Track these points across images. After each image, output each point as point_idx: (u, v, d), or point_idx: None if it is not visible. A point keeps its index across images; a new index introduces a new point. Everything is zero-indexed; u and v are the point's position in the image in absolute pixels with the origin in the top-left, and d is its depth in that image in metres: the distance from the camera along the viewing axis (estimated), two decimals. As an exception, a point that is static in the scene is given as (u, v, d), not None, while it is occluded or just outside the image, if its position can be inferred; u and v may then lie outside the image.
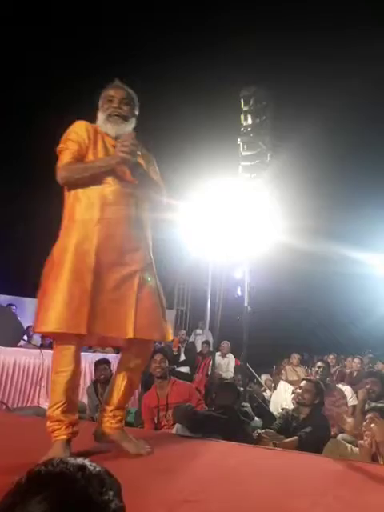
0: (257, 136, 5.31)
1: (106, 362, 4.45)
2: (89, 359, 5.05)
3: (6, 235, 9.04)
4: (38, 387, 5.27)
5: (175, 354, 7.45)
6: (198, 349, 8.33)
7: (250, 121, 5.24)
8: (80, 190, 1.90)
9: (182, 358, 7.59)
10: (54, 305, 1.75)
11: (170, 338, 1.97)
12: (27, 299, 9.47)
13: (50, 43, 8.82)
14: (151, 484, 1.60)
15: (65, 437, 1.80)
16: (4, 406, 4.70)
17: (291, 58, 8.27)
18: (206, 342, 7.98)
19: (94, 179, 1.89)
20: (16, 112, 8.95)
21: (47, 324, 1.75)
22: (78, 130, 1.94)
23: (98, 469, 0.74)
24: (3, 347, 4.98)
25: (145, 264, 1.93)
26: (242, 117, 5.32)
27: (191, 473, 1.82)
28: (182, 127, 7.73)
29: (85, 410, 4.35)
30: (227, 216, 5.87)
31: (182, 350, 7.81)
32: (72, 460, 0.73)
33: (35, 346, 6.05)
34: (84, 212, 1.87)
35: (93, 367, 4.61)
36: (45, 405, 5.06)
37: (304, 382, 3.53)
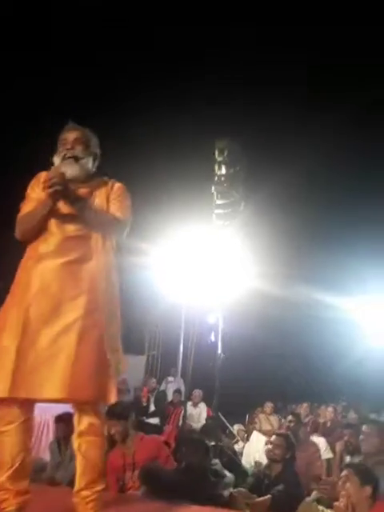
0: (231, 185, 5.47)
1: (63, 419, 4.08)
2: (52, 412, 4.77)
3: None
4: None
5: (144, 404, 7.17)
6: (169, 397, 8.06)
7: (224, 170, 5.41)
8: (30, 247, 1.87)
9: (152, 408, 7.31)
10: None
11: (113, 399, 1.72)
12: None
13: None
14: None
15: (13, 508, 1.65)
16: None
17: (266, 108, 8.69)
18: (178, 391, 7.75)
19: (40, 231, 1.84)
20: None
21: None
22: (35, 186, 1.95)
23: None
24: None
25: (86, 310, 1.73)
26: (217, 166, 5.48)
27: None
28: (157, 175, 7.88)
29: (45, 468, 4.04)
30: (201, 261, 5.91)
31: (152, 399, 7.54)
32: None
33: None
34: (23, 267, 1.83)
35: (54, 421, 4.31)
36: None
37: (274, 436, 3.45)
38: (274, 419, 6.67)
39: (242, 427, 6.88)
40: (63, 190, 1.78)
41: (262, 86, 8.96)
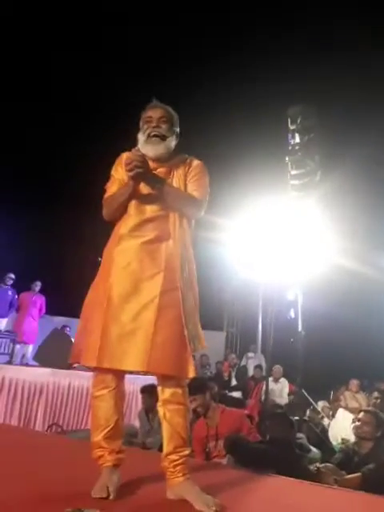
0: (305, 154, 5.22)
1: (147, 391, 4.31)
2: (140, 382, 5.05)
3: (60, 257, 9.44)
4: (91, 410, 5.33)
5: (226, 378, 7.30)
6: (250, 373, 8.10)
7: (297, 139, 5.17)
8: (115, 226, 1.95)
9: (234, 382, 7.42)
10: (76, 338, 1.90)
11: (191, 374, 1.75)
12: (81, 321, 9.78)
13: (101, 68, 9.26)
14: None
15: (110, 464, 1.78)
16: (59, 429, 4.80)
17: (340, 73, 8.11)
18: (259, 366, 7.76)
19: (122, 212, 1.92)
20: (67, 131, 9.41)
21: (71, 356, 1.88)
22: (118, 167, 2.01)
23: None
24: (58, 370, 5.12)
25: (164, 288, 1.78)
26: (290, 135, 5.25)
27: (246, 510, 1.73)
28: (229, 147, 7.76)
29: (136, 434, 4.33)
30: (278, 235, 5.76)
31: (233, 374, 7.64)
32: None
33: (89, 368, 6.17)
34: (108, 247, 1.92)
35: (139, 393, 4.57)
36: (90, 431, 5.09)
37: (362, 413, 3.29)
38: (360, 397, 6.43)
39: (326, 404, 6.73)
40: (144, 173, 1.82)
41: (337, 50, 8.35)
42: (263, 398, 6.03)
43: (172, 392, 1.78)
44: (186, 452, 1.78)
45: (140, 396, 4.75)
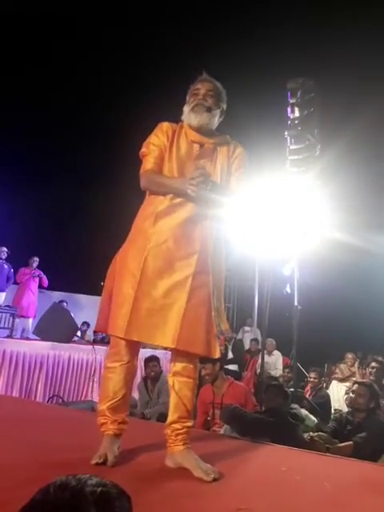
0: (305, 129, 5.15)
1: (155, 359, 4.52)
2: (140, 356, 5.14)
3: (59, 234, 9.43)
4: (91, 382, 5.46)
5: (222, 352, 7.43)
6: (246, 346, 8.25)
7: (297, 113, 5.09)
8: (149, 199, 1.95)
9: (230, 355, 7.56)
10: (102, 307, 1.89)
11: (216, 355, 1.81)
12: (80, 296, 9.87)
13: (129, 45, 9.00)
14: (204, 488, 1.59)
15: (111, 432, 1.83)
16: (60, 400, 4.92)
17: (341, 46, 7.91)
18: (255, 340, 7.89)
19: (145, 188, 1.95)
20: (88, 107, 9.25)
21: (96, 324, 1.93)
22: (159, 133, 1.97)
23: (99, 490, 0.71)
24: (58, 343, 5.20)
25: (197, 269, 1.80)
26: (289, 109, 5.16)
27: (243, 477, 1.79)
28: (226, 121, 7.63)
29: (136, 405, 4.45)
30: (275, 211, 5.75)
31: (230, 347, 7.77)
32: (73, 482, 0.70)
33: (88, 342, 6.27)
34: (144, 221, 1.90)
35: (142, 363, 4.70)
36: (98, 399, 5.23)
37: (356, 385, 3.38)
38: (355, 369, 6.57)
39: (315, 375, 6.87)
40: (200, 196, 1.80)
41: (337, 23, 8.11)
42: (258, 370, 6.17)
43: (184, 366, 1.83)
44: (189, 423, 1.83)
45: (141, 367, 4.87)
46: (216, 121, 2.01)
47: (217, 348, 1.82)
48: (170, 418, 1.83)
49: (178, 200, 1.87)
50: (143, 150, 1.97)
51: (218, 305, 1.85)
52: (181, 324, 1.73)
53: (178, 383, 1.83)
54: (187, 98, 2.02)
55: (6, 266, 7.47)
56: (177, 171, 1.91)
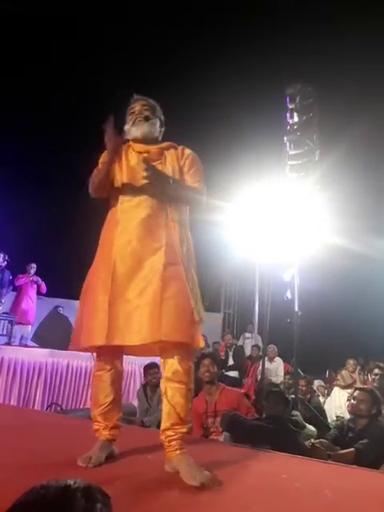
0: (304, 134, 5.16)
1: (155, 366, 4.47)
2: (139, 363, 5.11)
3: (55, 238, 9.42)
4: (89, 389, 5.41)
5: (222, 358, 7.39)
6: (247, 353, 8.20)
7: (296, 119, 5.10)
8: (110, 209, 2.01)
9: (231, 362, 7.51)
10: (78, 323, 1.94)
11: (201, 344, 1.83)
12: (77, 302, 9.81)
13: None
14: (203, 497, 1.56)
15: (103, 438, 1.89)
16: (58, 408, 4.87)
17: (338, 51, 7.97)
18: (256, 346, 7.85)
19: (115, 194, 1.98)
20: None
21: (72, 342, 1.94)
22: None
23: (81, 487, 0.73)
24: (57, 350, 5.16)
25: (166, 262, 1.81)
26: (288, 115, 5.17)
27: (242, 485, 1.76)
28: (226, 127, 7.66)
29: (135, 413, 4.41)
30: (275, 216, 5.74)
31: (230, 354, 7.73)
32: (54, 484, 0.72)
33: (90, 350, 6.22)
34: (107, 231, 1.97)
35: (142, 370, 4.67)
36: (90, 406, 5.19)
37: (357, 391, 3.34)
38: (356, 376, 6.52)
39: (322, 383, 6.83)
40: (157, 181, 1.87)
41: (336, 28, 8.16)
42: (259, 377, 6.12)
43: (175, 369, 1.80)
44: (183, 429, 1.80)
45: (140, 375, 4.83)
46: (157, 130, 2.10)
47: (200, 337, 1.83)
48: (163, 425, 1.81)
49: (135, 200, 1.92)
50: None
51: (194, 294, 1.86)
52: (159, 316, 1.71)
53: (170, 389, 1.81)
54: (126, 119, 2.12)
55: (4, 273, 7.45)
56: (128, 180, 1.98)
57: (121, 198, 1.96)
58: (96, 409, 1.93)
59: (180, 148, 2.08)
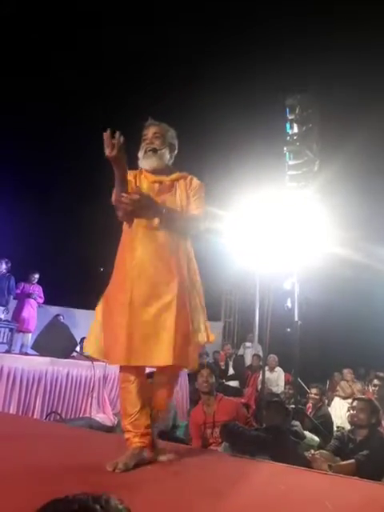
0: (303, 144, 5.20)
1: (149, 376, 4.43)
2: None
3: (56, 246, 9.45)
4: (89, 398, 5.38)
5: (223, 367, 7.37)
6: (248, 362, 8.16)
7: (296, 129, 5.14)
8: (125, 230, 2.15)
9: (231, 372, 7.48)
10: (91, 333, 2.10)
11: (196, 366, 2.12)
12: (76, 310, 9.81)
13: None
14: (201, 507, 1.56)
15: (135, 445, 2.01)
16: (58, 417, 4.84)
17: (339, 62, 8.04)
18: (257, 356, 7.82)
19: (131, 221, 2.10)
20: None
21: (85, 346, 2.14)
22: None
23: (104, 497, 0.76)
24: (57, 359, 5.14)
25: (178, 292, 2.02)
26: (288, 125, 5.22)
27: (241, 496, 1.76)
28: (226, 137, 7.72)
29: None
30: (275, 226, 5.77)
31: (230, 363, 7.70)
32: (78, 497, 0.75)
33: (87, 358, 6.21)
34: (124, 253, 2.12)
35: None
36: (97, 416, 5.16)
37: (356, 401, 3.33)
38: (355, 385, 6.49)
39: (316, 391, 6.78)
40: (139, 209, 2.03)
41: (336, 39, 8.26)
42: (260, 387, 6.09)
43: (163, 379, 2.14)
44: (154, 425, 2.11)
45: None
46: (167, 158, 2.24)
47: (197, 360, 2.13)
48: (146, 423, 2.05)
49: (150, 228, 2.08)
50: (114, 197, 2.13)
51: (195, 319, 2.08)
52: (174, 342, 1.95)
53: (155, 397, 2.11)
54: (142, 143, 2.23)
55: (6, 280, 7.45)
56: (142, 213, 2.09)
57: (137, 222, 2.10)
58: (125, 419, 2.05)
59: (189, 178, 2.24)
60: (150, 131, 2.20)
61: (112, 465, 1.87)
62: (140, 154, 2.21)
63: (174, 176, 2.22)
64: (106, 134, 1.95)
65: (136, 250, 2.06)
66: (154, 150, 2.17)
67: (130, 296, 1.98)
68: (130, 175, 2.17)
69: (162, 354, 1.94)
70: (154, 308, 1.99)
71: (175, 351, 1.94)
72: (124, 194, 2.00)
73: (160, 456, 2.08)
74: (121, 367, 2.06)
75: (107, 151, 1.95)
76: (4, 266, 7.31)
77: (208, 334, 2.12)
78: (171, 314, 1.97)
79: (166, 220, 2.07)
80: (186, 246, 2.16)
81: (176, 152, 2.28)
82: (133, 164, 2.23)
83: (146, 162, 2.18)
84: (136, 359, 1.95)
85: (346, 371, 6.58)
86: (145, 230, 2.08)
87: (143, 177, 2.20)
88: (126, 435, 2.04)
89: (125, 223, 2.15)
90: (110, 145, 1.94)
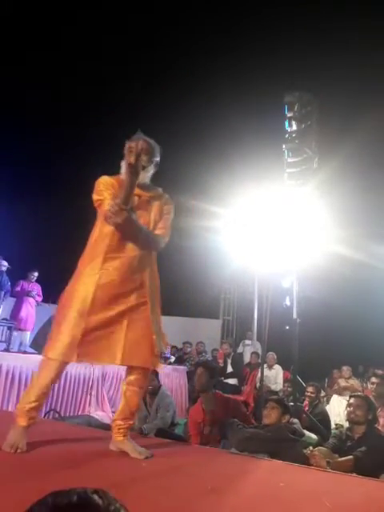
0: (302, 142, 5.19)
1: (152, 372, 4.47)
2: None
3: (55, 244, 9.44)
4: (88, 396, 5.40)
5: (221, 365, 7.37)
6: (247, 360, 8.18)
7: (295, 127, 5.13)
8: (99, 237, 2.24)
9: (229, 369, 7.49)
10: (58, 338, 2.14)
11: (157, 367, 2.31)
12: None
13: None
14: (200, 504, 1.57)
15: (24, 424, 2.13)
16: (56, 414, 4.86)
17: (338, 59, 8.04)
18: (255, 353, 7.83)
19: (115, 226, 2.18)
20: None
21: (51, 352, 2.15)
22: (105, 184, 2.25)
23: (100, 491, 0.77)
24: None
25: (137, 302, 2.21)
26: (287, 123, 5.21)
27: (240, 493, 1.77)
28: (225, 134, 7.71)
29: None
30: (274, 223, 5.77)
31: (229, 361, 7.70)
32: (73, 490, 0.76)
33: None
34: (93, 259, 2.22)
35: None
36: (95, 414, 5.18)
37: (353, 399, 3.34)
38: (354, 382, 6.51)
39: (312, 389, 6.79)
40: (120, 222, 2.12)
41: (335, 36, 8.25)
42: (258, 384, 6.10)
43: (136, 377, 2.27)
44: (131, 422, 2.31)
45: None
46: (150, 176, 2.34)
47: (157, 361, 2.29)
48: (117, 416, 2.30)
49: (122, 242, 2.23)
50: (97, 198, 2.24)
51: (156, 326, 2.25)
52: (123, 345, 2.15)
53: (129, 391, 2.28)
54: (124, 152, 2.25)
55: (3, 279, 7.44)
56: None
57: (108, 241, 2.21)
58: (28, 404, 2.16)
59: (165, 198, 2.38)
60: (139, 145, 2.20)
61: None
62: (123, 166, 2.24)
63: (152, 193, 2.34)
64: (131, 144, 2.11)
65: (106, 261, 2.19)
66: (142, 167, 2.19)
67: (91, 299, 2.12)
68: (111, 181, 2.25)
69: (111, 355, 2.14)
70: (111, 313, 2.15)
71: (125, 353, 2.14)
72: (119, 205, 2.07)
73: (133, 452, 2.16)
74: (53, 360, 2.14)
75: (131, 159, 2.05)
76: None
77: (164, 338, 2.32)
78: (125, 320, 2.17)
79: (141, 238, 2.23)
80: (150, 257, 2.32)
81: (156, 169, 2.36)
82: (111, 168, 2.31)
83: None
84: (91, 356, 2.15)
85: (345, 368, 6.60)
86: (118, 239, 2.20)
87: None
88: (18, 413, 2.14)
89: (98, 228, 2.25)
90: (134, 153, 2.04)
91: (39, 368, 2.21)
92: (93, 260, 2.22)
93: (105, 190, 2.23)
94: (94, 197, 2.25)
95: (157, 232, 2.32)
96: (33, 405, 2.14)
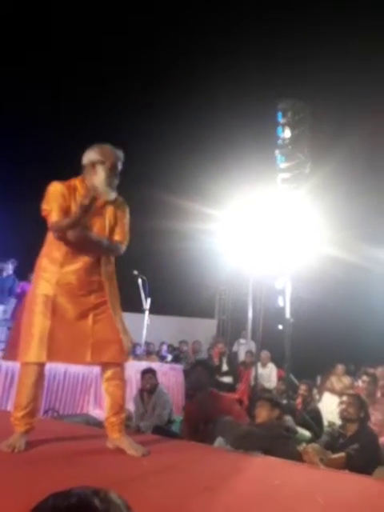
0: (295, 147, 5.29)
1: (151, 371, 4.55)
2: (135, 369, 5.18)
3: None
4: (86, 395, 5.47)
5: (217, 364, 7.48)
6: (241, 358, 8.28)
7: (288, 133, 5.23)
8: (54, 244, 2.31)
9: (225, 368, 7.60)
10: (27, 341, 2.20)
11: (126, 360, 2.33)
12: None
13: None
14: (195, 501, 1.61)
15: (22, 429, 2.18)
16: (55, 413, 4.93)
17: (331, 66, 8.14)
18: (250, 352, 7.94)
19: (61, 238, 2.27)
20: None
21: (25, 356, 2.20)
22: (56, 193, 2.31)
23: (102, 492, 0.77)
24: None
25: (97, 303, 2.29)
26: (280, 129, 5.31)
27: (235, 491, 1.80)
28: (219, 139, 7.79)
29: (131, 417, 4.46)
30: (267, 226, 5.87)
31: (224, 360, 7.82)
32: (75, 491, 0.76)
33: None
34: (50, 264, 2.29)
35: (139, 376, 4.74)
36: (94, 412, 5.25)
37: (345, 396, 3.44)
38: (346, 380, 6.62)
39: (305, 387, 6.90)
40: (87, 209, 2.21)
41: (328, 43, 8.35)
42: (252, 382, 6.21)
43: (113, 371, 2.31)
44: (123, 415, 2.31)
45: (136, 380, 4.90)
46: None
47: (125, 355, 2.31)
48: (107, 414, 2.31)
49: (79, 248, 2.29)
50: (45, 207, 2.30)
51: (120, 323, 2.33)
52: (92, 343, 2.22)
53: (111, 387, 2.31)
54: (94, 157, 2.31)
55: (10, 279, 7.46)
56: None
57: (64, 242, 2.26)
58: (20, 410, 2.21)
59: (118, 202, 2.41)
60: (118, 164, 2.31)
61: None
62: (101, 175, 2.29)
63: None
64: (87, 191, 2.20)
65: (64, 265, 2.27)
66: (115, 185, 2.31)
67: (53, 302, 2.20)
68: (65, 186, 2.31)
69: (79, 354, 2.23)
70: (74, 315, 2.23)
71: (93, 351, 2.21)
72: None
73: (129, 450, 2.20)
74: (28, 363, 2.19)
75: (86, 201, 2.16)
76: (11, 266, 7.33)
77: (129, 335, 2.39)
78: (89, 319, 2.25)
79: (100, 249, 2.32)
80: (108, 259, 2.38)
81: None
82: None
83: (108, 193, 2.29)
84: (58, 357, 2.25)
85: (339, 367, 6.70)
86: (72, 248, 2.27)
87: (78, 194, 2.32)
88: (16, 421, 2.18)
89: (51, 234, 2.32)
90: (90, 197, 2.15)
91: (19, 376, 2.27)
92: (51, 264, 2.29)
93: (53, 201, 2.28)
94: (43, 206, 2.31)
95: (115, 237, 2.37)
96: (26, 411, 2.19)
